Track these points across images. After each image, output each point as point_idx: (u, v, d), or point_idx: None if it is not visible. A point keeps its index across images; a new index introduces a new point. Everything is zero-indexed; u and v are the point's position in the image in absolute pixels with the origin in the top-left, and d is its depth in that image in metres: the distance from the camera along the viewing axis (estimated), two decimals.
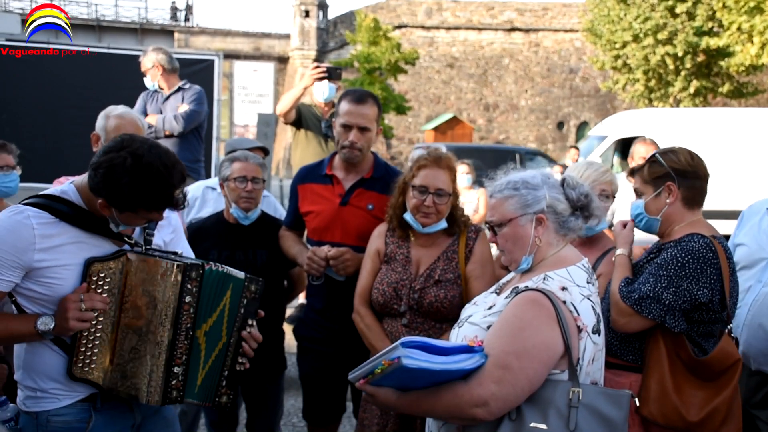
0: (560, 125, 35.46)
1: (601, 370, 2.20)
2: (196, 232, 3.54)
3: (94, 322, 2.24)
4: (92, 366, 2.26)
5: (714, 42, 22.49)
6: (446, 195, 2.93)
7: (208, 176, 7.22)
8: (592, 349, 2.13)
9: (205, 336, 2.33)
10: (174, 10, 36.57)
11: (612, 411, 2.05)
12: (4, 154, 3.89)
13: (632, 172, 2.91)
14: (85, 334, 2.24)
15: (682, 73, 23.57)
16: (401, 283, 2.94)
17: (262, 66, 34.62)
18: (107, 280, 2.24)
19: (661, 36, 22.91)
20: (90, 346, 2.25)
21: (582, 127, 34.98)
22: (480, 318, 2.21)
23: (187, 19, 36.19)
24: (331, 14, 34.86)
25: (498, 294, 2.33)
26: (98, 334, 2.26)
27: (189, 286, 2.27)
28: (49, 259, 2.19)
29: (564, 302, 2.09)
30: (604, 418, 2.04)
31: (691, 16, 23.07)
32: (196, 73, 7.75)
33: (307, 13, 33.07)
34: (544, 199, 2.23)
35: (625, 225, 2.93)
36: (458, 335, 2.24)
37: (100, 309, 2.22)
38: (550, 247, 2.25)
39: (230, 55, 31.51)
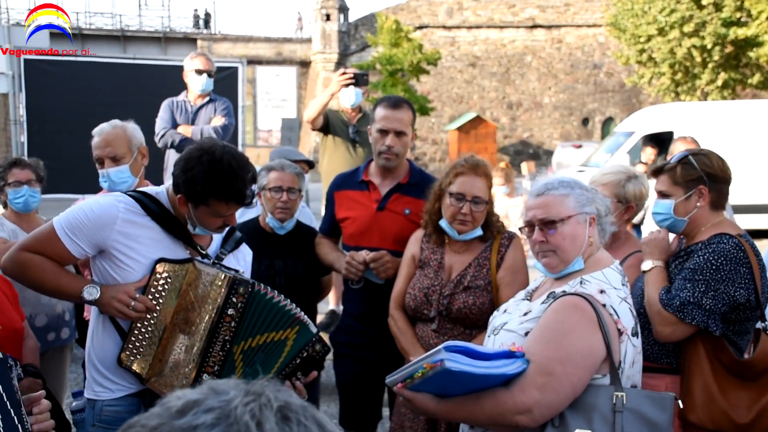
0: (585, 121, 35.14)
1: (640, 373, 2.17)
2: None
3: (148, 316, 2.37)
4: (138, 357, 2.36)
5: (742, 32, 22.13)
6: (483, 203, 2.92)
7: None
8: (632, 352, 2.10)
9: (242, 354, 2.37)
10: (196, 18, 36.87)
11: (657, 414, 2.02)
12: (16, 170, 3.93)
13: (657, 172, 2.84)
14: (139, 325, 2.37)
15: (710, 65, 23.22)
16: (432, 289, 2.95)
17: (285, 70, 34.78)
18: (169, 281, 2.37)
19: (687, 28, 22.56)
20: (141, 338, 2.36)
21: (607, 123, 34.62)
22: (516, 325, 2.17)
23: (207, 26, 36.45)
24: (352, 17, 34.89)
25: (530, 300, 2.29)
26: (150, 329, 2.37)
27: (234, 299, 2.35)
28: (125, 243, 2.38)
29: (604, 305, 2.06)
30: (650, 422, 2.01)
31: (718, 6, 22.70)
32: (220, 80, 7.78)
33: (328, 17, 33.14)
34: (594, 201, 2.23)
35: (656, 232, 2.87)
36: (494, 343, 2.21)
37: (142, 311, 2.35)
38: (594, 249, 2.23)
39: (253, 61, 31.69)
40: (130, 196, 2.47)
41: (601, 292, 2.09)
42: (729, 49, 23.25)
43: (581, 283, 2.12)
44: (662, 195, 2.79)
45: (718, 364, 2.59)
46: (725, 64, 23.45)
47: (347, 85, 5.04)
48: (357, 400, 3.35)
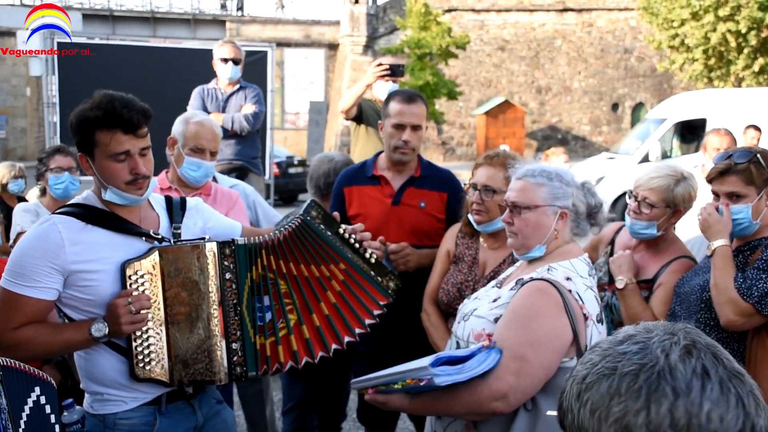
0: (615, 107, 34.67)
1: None
2: None
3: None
4: (152, 364, 2.29)
5: None
6: (492, 192, 2.90)
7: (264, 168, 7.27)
8: (597, 337, 2.18)
9: (246, 310, 2.37)
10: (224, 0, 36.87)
11: None
12: (59, 156, 4.02)
13: (724, 173, 2.72)
14: (138, 334, 2.28)
15: (746, 50, 22.71)
16: (465, 284, 2.96)
17: (313, 53, 34.72)
18: (145, 277, 2.28)
19: (723, 12, 22.06)
20: (146, 344, 2.29)
21: (637, 109, 34.13)
22: (486, 311, 2.24)
23: (239, 9, 36.47)
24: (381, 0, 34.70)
25: (500, 287, 2.35)
26: (150, 332, 2.29)
27: (226, 263, 2.33)
28: (82, 261, 2.23)
29: (569, 291, 2.13)
30: None
31: None
32: (250, 65, 7.79)
33: (356, 0, 32.97)
34: (571, 196, 2.30)
35: (717, 209, 2.73)
36: (465, 329, 2.28)
37: (147, 308, 2.25)
38: (561, 242, 2.31)
39: (281, 44, 31.67)
40: (58, 212, 2.32)
41: (567, 279, 2.18)
42: (765, 33, 22.72)
43: (548, 270, 2.21)
44: (731, 196, 2.71)
45: None
46: (761, 48, 22.92)
47: (383, 77, 5.01)
48: None
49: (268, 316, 2.38)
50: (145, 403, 2.34)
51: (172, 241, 2.38)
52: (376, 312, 2.46)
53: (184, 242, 2.39)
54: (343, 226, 2.45)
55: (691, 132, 14.60)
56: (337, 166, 3.88)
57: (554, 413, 2.04)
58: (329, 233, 2.41)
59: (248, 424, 4.31)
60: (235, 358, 2.33)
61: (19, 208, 4.42)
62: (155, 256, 2.29)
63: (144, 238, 2.34)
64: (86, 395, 2.40)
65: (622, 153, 15.30)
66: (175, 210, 2.50)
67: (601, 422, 0.99)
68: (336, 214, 2.49)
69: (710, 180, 2.80)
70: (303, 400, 3.88)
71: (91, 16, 26.95)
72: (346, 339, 2.43)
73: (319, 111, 17.32)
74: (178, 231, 2.44)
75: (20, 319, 2.21)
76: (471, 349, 2.06)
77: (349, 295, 2.43)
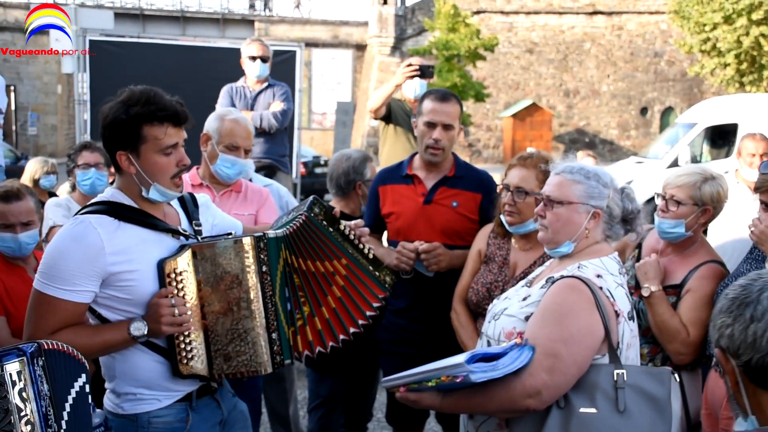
0: (644, 111, 34.31)
1: (638, 358, 2.24)
2: None
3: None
4: (195, 360, 2.32)
5: None
6: (525, 193, 2.90)
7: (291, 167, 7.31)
8: (629, 335, 2.18)
9: (279, 300, 2.40)
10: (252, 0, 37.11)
11: (656, 388, 2.07)
12: (86, 152, 4.07)
13: None
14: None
15: None
16: (495, 284, 2.96)
17: (340, 54, 34.81)
18: (183, 275, 2.29)
19: (756, 16, 21.72)
20: (187, 341, 2.31)
21: (667, 113, 33.73)
22: (517, 309, 2.24)
23: (269, 8, 36.68)
24: (409, 1, 34.65)
25: (529, 287, 2.36)
26: (191, 330, 2.31)
27: (262, 256, 2.35)
28: (121, 261, 2.21)
29: (600, 288, 2.13)
30: (650, 396, 2.07)
31: None
32: (279, 64, 7.82)
33: (385, 1, 32.98)
34: (607, 198, 2.30)
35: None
36: (495, 328, 2.28)
37: (186, 312, 2.27)
38: (592, 241, 2.31)
39: (309, 44, 31.79)
40: (89, 212, 2.27)
41: (598, 276, 2.18)
42: None
43: (579, 267, 2.21)
44: None
45: None
46: None
47: (412, 77, 5.01)
48: None
49: (289, 306, 2.44)
50: (177, 400, 2.34)
51: (199, 239, 2.39)
52: (376, 304, 2.52)
53: (216, 238, 2.41)
54: (344, 222, 2.50)
55: (721, 137, 14.41)
56: (355, 163, 3.90)
57: (587, 410, 2.04)
58: (331, 230, 2.46)
59: (272, 421, 4.33)
60: (275, 348, 2.37)
61: (50, 203, 4.48)
62: (189, 253, 2.30)
63: (171, 235, 2.34)
64: (111, 395, 2.37)
65: (651, 157, 15.14)
66: (190, 207, 2.51)
67: (714, 329, 1.41)
68: (337, 210, 2.52)
69: (761, 190, 2.73)
70: (329, 398, 3.89)
71: (122, 15, 27.28)
72: (352, 330, 2.50)
73: (346, 111, 17.33)
74: (199, 228, 2.44)
75: (56, 323, 2.17)
76: (504, 347, 2.06)
77: (352, 290, 2.48)
